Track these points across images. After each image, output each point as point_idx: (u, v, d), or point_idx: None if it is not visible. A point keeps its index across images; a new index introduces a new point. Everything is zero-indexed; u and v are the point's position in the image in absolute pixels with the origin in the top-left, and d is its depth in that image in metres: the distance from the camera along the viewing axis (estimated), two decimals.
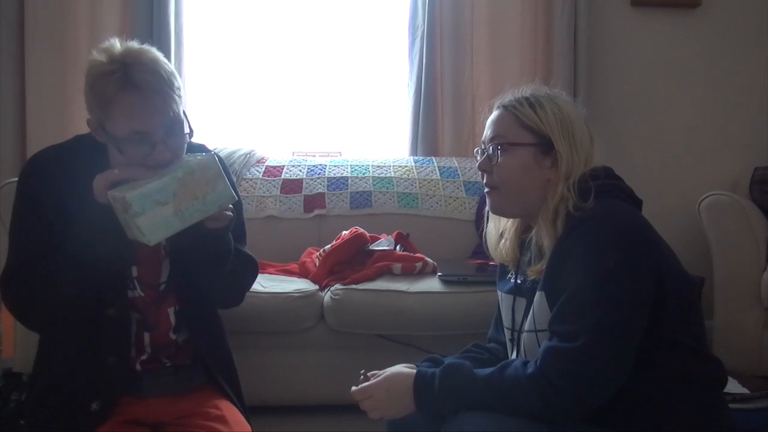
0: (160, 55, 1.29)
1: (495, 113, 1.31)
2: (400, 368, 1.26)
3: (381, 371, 1.28)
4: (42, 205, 1.31)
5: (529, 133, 1.25)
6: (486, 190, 1.32)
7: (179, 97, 1.28)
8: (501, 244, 1.38)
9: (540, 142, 1.25)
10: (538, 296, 1.20)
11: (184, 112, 1.30)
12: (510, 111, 1.28)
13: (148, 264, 1.40)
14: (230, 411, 1.42)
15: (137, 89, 1.22)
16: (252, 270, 1.57)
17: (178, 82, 1.29)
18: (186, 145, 1.32)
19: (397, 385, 1.22)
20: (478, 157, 1.32)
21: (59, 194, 1.30)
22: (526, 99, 1.28)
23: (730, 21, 3.07)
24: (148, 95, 1.23)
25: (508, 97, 1.31)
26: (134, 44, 1.28)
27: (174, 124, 1.27)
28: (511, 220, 1.36)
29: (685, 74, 3.08)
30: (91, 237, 1.23)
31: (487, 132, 1.32)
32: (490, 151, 1.28)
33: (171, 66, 1.30)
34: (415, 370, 1.23)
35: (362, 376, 1.29)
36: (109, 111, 1.23)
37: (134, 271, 1.38)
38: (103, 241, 1.23)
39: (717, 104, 3.09)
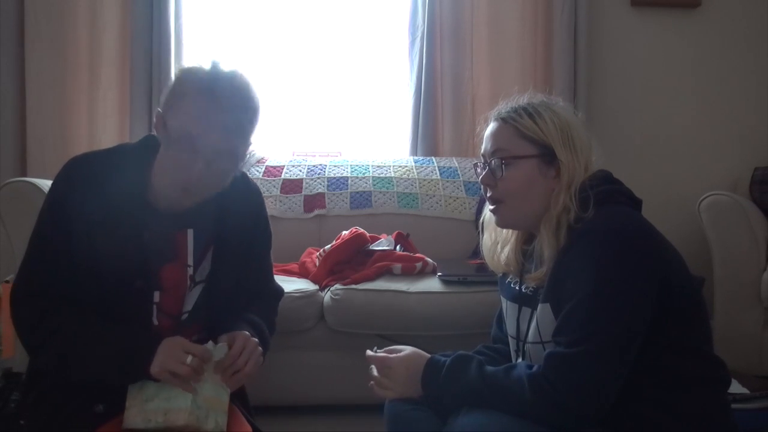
0: (254, 90, 1.25)
1: (493, 125, 1.28)
2: (418, 350, 1.27)
3: (399, 347, 1.29)
4: (70, 221, 1.24)
5: (531, 145, 1.23)
6: (490, 205, 1.29)
7: (247, 137, 1.23)
8: (499, 253, 1.37)
9: (542, 153, 1.22)
10: (543, 308, 1.20)
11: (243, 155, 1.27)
12: (509, 123, 1.24)
13: (172, 291, 1.33)
14: (234, 414, 1.41)
15: (213, 98, 1.18)
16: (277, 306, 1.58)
17: (257, 123, 1.24)
18: (227, 184, 1.29)
19: (415, 364, 1.23)
20: (479, 170, 1.30)
21: (90, 216, 1.24)
22: (524, 109, 1.25)
23: (730, 21, 3.07)
24: (219, 108, 1.18)
25: (504, 108, 1.28)
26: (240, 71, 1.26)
27: (227, 155, 1.22)
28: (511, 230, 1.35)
29: (685, 74, 3.08)
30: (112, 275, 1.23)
31: (486, 145, 1.28)
32: (493, 165, 1.25)
33: (259, 104, 1.25)
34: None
35: (375, 350, 1.29)
36: (177, 105, 1.21)
37: (156, 297, 1.31)
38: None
39: (717, 104, 3.09)
